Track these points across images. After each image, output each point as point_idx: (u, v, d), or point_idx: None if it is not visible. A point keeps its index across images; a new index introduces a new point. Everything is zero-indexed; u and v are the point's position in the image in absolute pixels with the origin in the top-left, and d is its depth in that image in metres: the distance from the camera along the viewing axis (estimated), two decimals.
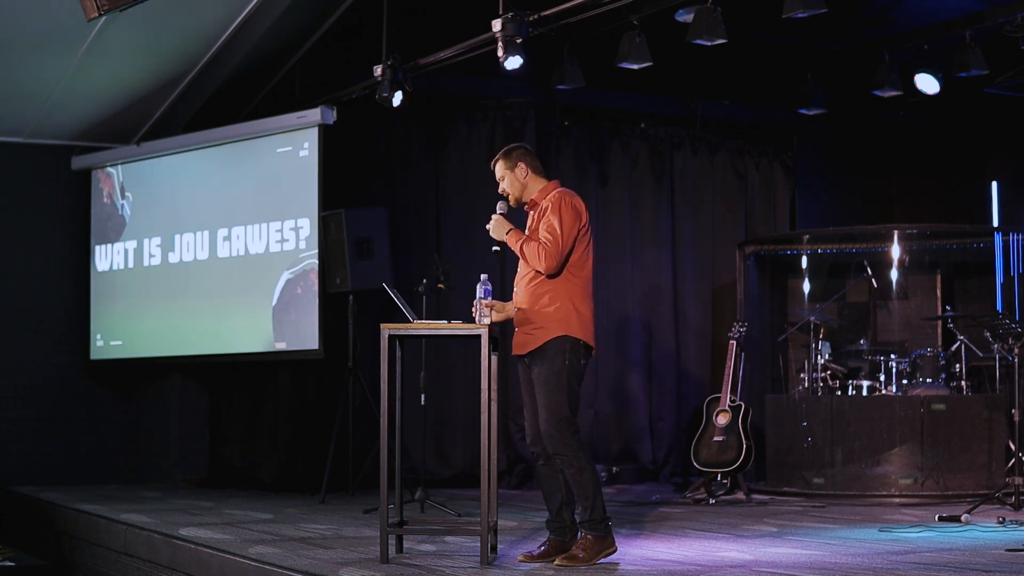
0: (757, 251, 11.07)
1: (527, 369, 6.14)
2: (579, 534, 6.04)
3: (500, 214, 6.22)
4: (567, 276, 6.07)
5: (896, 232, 10.41)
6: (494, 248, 6.27)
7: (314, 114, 9.63)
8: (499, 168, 6.29)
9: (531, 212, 6.25)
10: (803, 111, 10.62)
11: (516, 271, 6.29)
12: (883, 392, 9.70)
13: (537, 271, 6.06)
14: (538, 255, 6.01)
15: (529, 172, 6.23)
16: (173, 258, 10.54)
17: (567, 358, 5.99)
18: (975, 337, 9.69)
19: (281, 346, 9.82)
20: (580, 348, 6.04)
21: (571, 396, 6.00)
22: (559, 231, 6.00)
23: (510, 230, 6.15)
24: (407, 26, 9.18)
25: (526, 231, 6.19)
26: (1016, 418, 8.36)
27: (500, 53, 8.11)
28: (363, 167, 10.39)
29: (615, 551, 6.05)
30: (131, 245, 10.77)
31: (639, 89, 10.98)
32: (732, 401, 9.44)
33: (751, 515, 8.35)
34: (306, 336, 9.63)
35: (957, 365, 9.77)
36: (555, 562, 5.97)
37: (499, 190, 6.30)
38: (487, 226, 6.23)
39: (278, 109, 10.05)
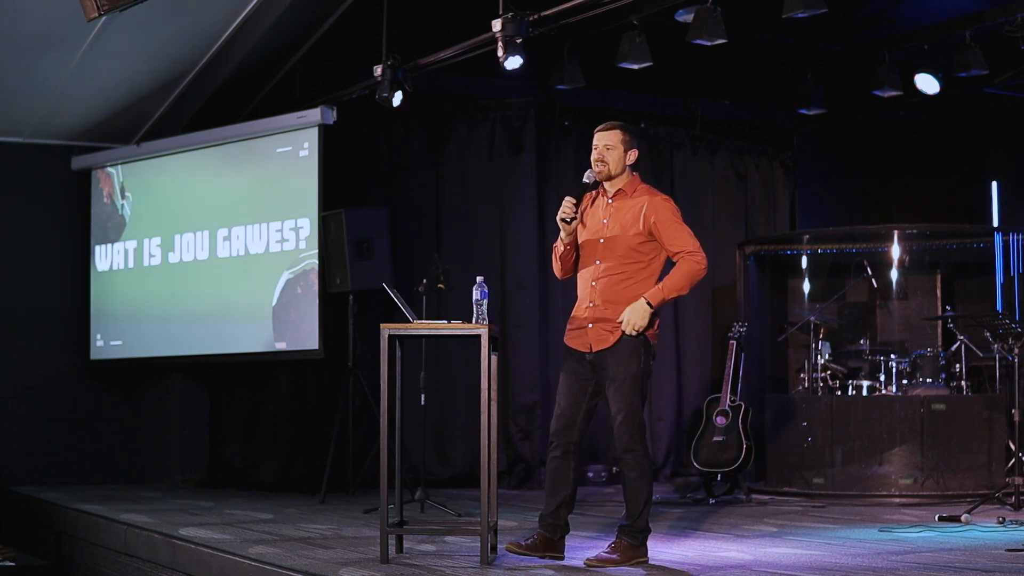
0: (757, 251, 11.07)
1: (587, 365, 5.96)
2: (615, 537, 5.99)
3: (586, 182, 5.97)
4: (653, 277, 5.95)
5: (896, 232, 10.41)
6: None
7: (314, 114, 9.62)
8: (612, 137, 6.02)
9: (611, 200, 6.00)
10: (803, 111, 10.62)
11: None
12: (883, 392, 9.69)
13: (624, 270, 5.90)
14: (695, 273, 5.85)
15: (634, 161, 6.04)
16: (173, 258, 10.54)
17: (642, 359, 5.89)
18: (975, 337, 9.69)
19: (281, 346, 9.82)
20: (651, 350, 5.96)
21: (644, 398, 5.94)
22: (691, 236, 5.90)
23: (651, 306, 5.82)
24: (407, 26, 9.18)
25: (608, 221, 5.94)
26: (1016, 418, 8.36)
27: (500, 53, 8.11)
28: (363, 167, 10.39)
29: (646, 561, 5.98)
30: (131, 245, 10.77)
31: (639, 89, 10.97)
32: (732, 401, 9.43)
33: (751, 515, 8.35)
34: (306, 336, 9.63)
35: (957, 365, 9.77)
36: (585, 562, 5.93)
37: (593, 157, 6.01)
38: (625, 321, 5.81)
39: (278, 109, 10.05)
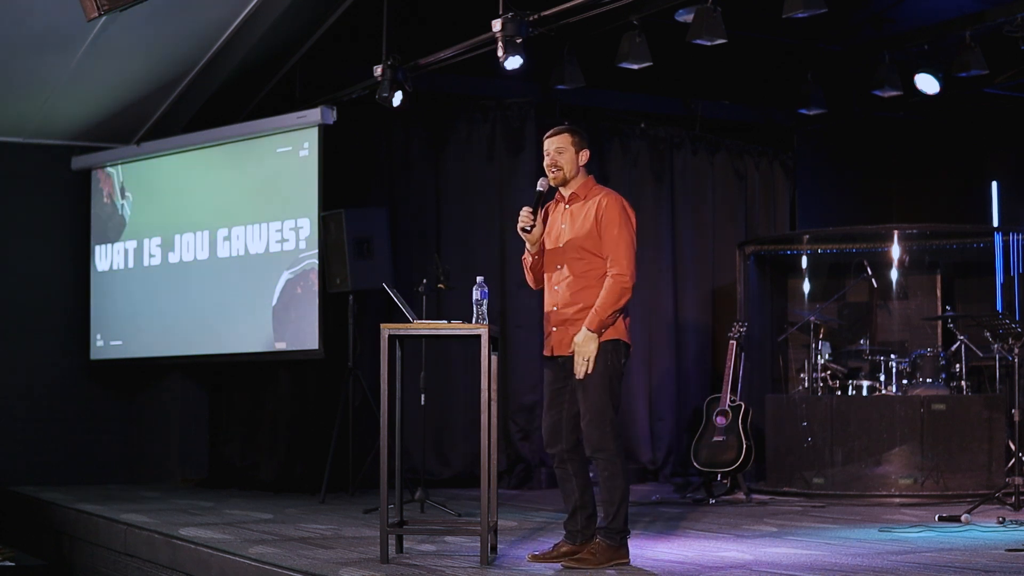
0: (757, 251, 11.07)
1: (559, 369, 6.02)
2: (595, 538, 5.97)
3: (540, 190, 6.00)
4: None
5: (896, 232, 10.41)
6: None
7: (314, 114, 9.63)
8: (561, 140, 6.02)
9: (567, 205, 6.06)
10: (803, 111, 10.63)
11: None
12: (883, 392, 9.69)
13: (582, 272, 5.94)
14: (621, 294, 5.88)
15: (586, 162, 6.06)
16: (173, 258, 10.54)
17: (609, 359, 5.89)
18: (975, 337, 9.69)
19: (281, 346, 9.83)
20: (621, 348, 5.95)
21: (614, 398, 5.91)
22: (627, 250, 5.93)
23: (592, 332, 5.85)
24: (407, 26, 9.18)
25: (565, 226, 6.00)
26: (1016, 418, 8.36)
27: (500, 53, 8.12)
28: (363, 167, 10.39)
29: (627, 563, 5.95)
30: (131, 245, 10.77)
31: (639, 89, 10.98)
32: (732, 401, 9.43)
33: (751, 515, 8.35)
34: (306, 336, 9.63)
35: (957, 365, 9.77)
36: (563, 564, 5.93)
37: (545, 163, 6.04)
38: (577, 354, 5.85)
39: (278, 109, 10.05)
